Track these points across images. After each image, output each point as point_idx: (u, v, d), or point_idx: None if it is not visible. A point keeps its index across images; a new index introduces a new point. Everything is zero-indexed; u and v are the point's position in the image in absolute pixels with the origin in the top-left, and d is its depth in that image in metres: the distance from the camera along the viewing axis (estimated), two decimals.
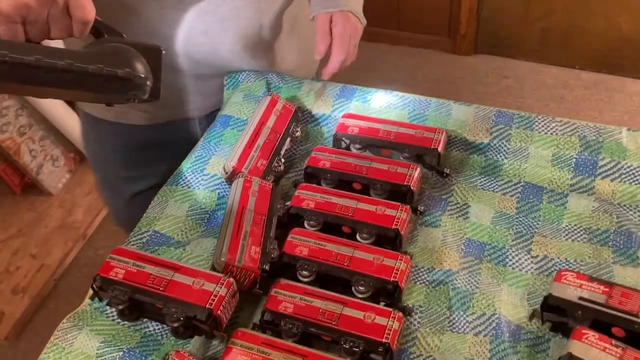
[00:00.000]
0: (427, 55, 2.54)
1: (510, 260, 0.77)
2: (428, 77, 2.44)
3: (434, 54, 2.53)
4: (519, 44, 2.41)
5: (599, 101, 2.24)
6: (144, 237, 0.80)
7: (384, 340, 0.66)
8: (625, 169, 0.83)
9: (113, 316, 0.73)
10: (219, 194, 0.86)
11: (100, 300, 0.73)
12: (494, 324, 0.69)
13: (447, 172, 0.87)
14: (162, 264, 0.71)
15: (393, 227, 0.77)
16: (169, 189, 0.87)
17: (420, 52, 2.55)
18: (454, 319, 0.71)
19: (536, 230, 0.80)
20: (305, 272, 0.73)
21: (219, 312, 0.67)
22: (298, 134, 0.94)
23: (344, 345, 0.66)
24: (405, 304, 0.73)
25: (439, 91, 2.37)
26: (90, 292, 0.72)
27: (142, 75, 0.62)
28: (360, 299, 0.71)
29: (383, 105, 0.95)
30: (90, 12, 0.62)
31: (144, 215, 0.83)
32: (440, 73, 2.45)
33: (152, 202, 0.85)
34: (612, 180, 0.83)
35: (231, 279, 0.69)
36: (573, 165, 0.85)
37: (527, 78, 2.37)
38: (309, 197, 0.81)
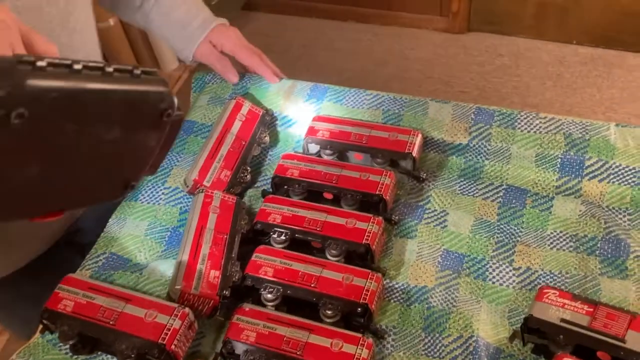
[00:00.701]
0: (419, 35, 2.45)
1: (491, 273, 0.72)
2: (421, 57, 2.36)
3: (427, 34, 2.45)
4: (513, 21, 2.32)
5: (597, 77, 2.16)
6: (100, 260, 0.75)
7: None
8: (613, 169, 0.77)
9: (66, 349, 0.68)
10: (181, 208, 0.81)
11: (52, 332, 0.68)
12: (472, 348, 0.65)
13: (424, 176, 0.82)
14: (114, 294, 0.66)
15: (363, 242, 0.72)
16: (128, 205, 0.82)
17: (412, 32, 2.47)
18: (429, 342, 0.66)
19: (519, 238, 0.75)
20: (269, 296, 0.68)
21: (172, 347, 0.62)
22: (266, 139, 0.88)
23: None
24: (377, 326, 0.68)
25: (432, 72, 2.29)
26: (40, 325, 0.68)
27: (175, 100, 0.54)
28: (329, 323, 0.67)
29: (356, 104, 0.89)
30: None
31: (101, 235, 0.78)
32: (433, 53, 2.37)
33: (109, 220, 0.80)
34: (599, 181, 0.78)
35: (186, 310, 0.64)
36: (558, 165, 0.79)
37: (523, 55, 2.29)
38: (275, 211, 0.76)
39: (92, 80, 0.42)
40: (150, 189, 0.83)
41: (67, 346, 0.68)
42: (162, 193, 0.82)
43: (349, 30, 2.54)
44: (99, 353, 0.68)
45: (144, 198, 0.82)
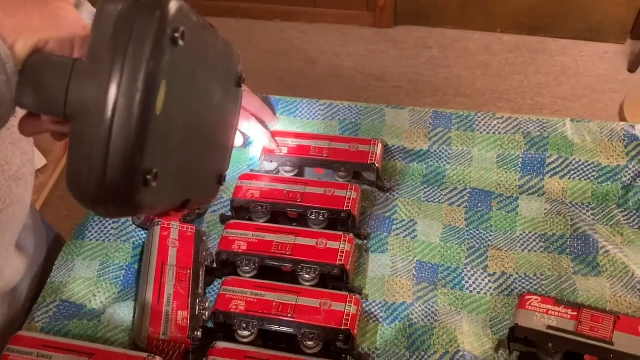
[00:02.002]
0: (348, 31, 2.44)
1: (467, 282, 0.71)
2: (352, 54, 2.35)
3: (355, 30, 2.44)
4: (439, 12, 2.36)
5: (523, 64, 2.23)
6: (50, 309, 0.68)
7: None
8: (574, 165, 0.78)
9: None
10: (133, 243, 0.75)
11: None
12: None
13: (388, 186, 0.80)
14: (74, 350, 0.60)
15: (338, 263, 0.68)
16: (74, 244, 0.74)
17: (340, 28, 2.45)
18: None
19: (489, 243, 0.74)
20: (244, 332, 0.64)
21: None
22: None
23: None
24: (360, 350, 0.65)
25: (364, 68, 2.29)
26: None
27: None
28: (310, 354, 0.63)
29: (310, 116, 0.86)
30: None
31: (48, 281, 0.71)
32: (363, 49, 2.37)
33: (55, 263, 0.73)
34: (561, 178, 0.78)
35: (158, 358, 0.59)
36: (520, 165, 0.79)
37: (451, 46, 2.33)
38: (239, 238, 0.71)
39: (206, 24, 0.42)
40: (97, 225, 0.76)
41: None
42: (112, 228, 0.76)
43: (276, 29, 2.49)
44: None
45: (92, 235, 0.75)
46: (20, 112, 0.42)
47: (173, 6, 0.36)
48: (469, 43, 2.33)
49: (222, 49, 0.46)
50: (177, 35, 0.36)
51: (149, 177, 0.36)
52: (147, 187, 0.37)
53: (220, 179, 0.50)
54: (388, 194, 0.80)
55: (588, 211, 0.76)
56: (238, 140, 0.80)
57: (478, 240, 0.74)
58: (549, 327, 0.60)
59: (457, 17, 2.35)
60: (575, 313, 0.60)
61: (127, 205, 0.37)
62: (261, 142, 0.80)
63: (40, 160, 1.87)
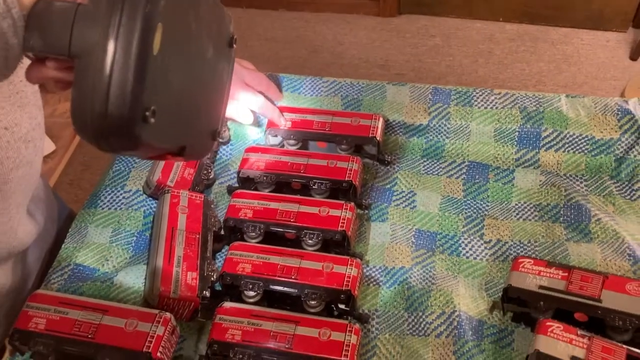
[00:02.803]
0: (351, 20, 2.47)
1: (464, 248, 0.74)
2: (355, 42, 2.37)
3: (359, 19, 2.47)
4: (442, 1, 2.38)
5: (525, 52, 2.25)
6: (65, 272, 0.72)
7: (342, 358, 0.61)
8: (568, 138, 0.81)
9: None
10: (144, 212, 0.78)
11: (23, 354, 0.64)
12: (455, 323, 0.66)
13: (389, 159, 0.82)
14: (89, 307, 0.63)
15: (339, 229, 0.71)
16: (87, 212, 0.78)
17: (344, 17, 2.48)
18: (413, 321, 0.67)
19: (486, 212, 0.77)
20: (250, 292, 0.67)
21: (158, 354, 0.60)
22: (226, 133, 0.86)
23: None
24: (360, 311, 0.69)
25: (367, 56, 2.31)
26: (9, 347, 0.64)
27: None
28: (313, 313, 0.66)
29: (314, 93, 0.89)
30: None
31: (62, 247, 0.74)
32: (366, 37, 2.39)
33: (69, 230, 0.76)
34: (555, 151, 0.81)
35: (168, 315, 0.62)
36: (516, 139, 0.82)
37: (454, 35, 2.35)
38: (245, 206, 0.75)
39: None
40: (109, 194, 0.79)
41: None
42: (123, 197, 0.79)
43: (281, 18, 2.52)
44: None
45: (104, 204, 0.78)
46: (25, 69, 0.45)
47: None
48: (472, 32, 2.35)
49: (214, 6, 0.49)
50: None
51: (147, 113, 0.39)
52: (146, 122, 0.40)
53: (215, 134, 0.53)
54: (388, 167, 0.82)
55: (582, 182, 0.79)
56: (248, 118, 0.83)
57: (475, 210, 0.77)
58: (541, 287, 0.63)
59: (460, 6, 2.37)
60: (566, 274, 0.63)
61: (127, 139, 0.40)
62: (270, 117, 0.83)
63: (49, 146, 1.90)
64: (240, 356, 0.62)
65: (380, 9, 2.44)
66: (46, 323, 0.62)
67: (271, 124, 0.83)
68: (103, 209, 0.78)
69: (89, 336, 0.61)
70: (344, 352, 0.61)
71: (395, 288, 0.70)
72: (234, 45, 0.53)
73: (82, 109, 0.38)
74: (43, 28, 0.40)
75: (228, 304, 0.66)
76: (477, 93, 0.85)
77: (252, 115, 0.84)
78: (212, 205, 0.76)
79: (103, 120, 0.38)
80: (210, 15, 0.48)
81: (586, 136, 0.80)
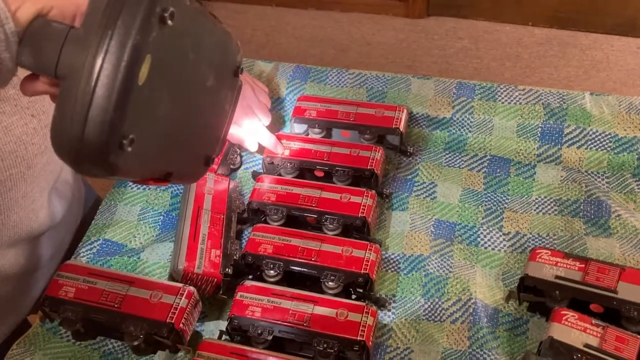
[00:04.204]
0: (380, 20, 2.48)
1: (482, 239, 0.74)
2: (382, 43, 2.38)
3: (387, 19, 2.48)
4: (471, 4, 2.37)
5: (553, 57, 2.23)
6: (94, 247, 0.75)
7: (358, 338, 0.62)
8: (590, 135, 0.81)
9: (68, 336, 0.67)
10: (172, 192, 0.80)
11: (52, 321, 0.67)
12: (471, 310, 0.67)
13: (411, 151, 0.84)
14: (116, 278, 0.66)
15: (360, 215, 0.73)
16: (117, 191, 0.81)
17: (372, 17, 2.49)
18: (429, 307, 0.69)
19: (506, 205, 0.78)
20: (271, 272, 0.69)
21: (181, 325, 0.62)
22: (237, 160, 0.87)
23: (318, 347, 0.62)
24: (378, 295, 0.70)
25: (394, 57, 2.32)
26: (40, 313, 0.67)
27: None
28: (331, 294, 0.68)
29: (339, 84, 0.90)
30: None
31: (92, 223, 0.77)
32: (394, 38, 2.40)
33: (99, 208, 0.79)
34: (578, 148, 0.81)
35: (192, 288, 0.64)
36: (539, 134, 0.83)
37: (482, 38, 2.34)
38: (269, 190, 0.77)
39: (205, 11, 0.45)
40: None
41: (69, 334, 0.67)
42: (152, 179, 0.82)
43: (310, 17, 2.54)
44: (102, 338, 0.67)
45: (133, 184, 0.81)
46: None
47: None
48: (501, 35, 2.34)
49: (220, 37, 0.48)
50: (165, 14, 0.39)
51: (124, 141, 0.39)
52: (122, 150, 0.39)
53: (208, 161, 0.52)
54: (410, 158, 0.84)
55: (603, 179, 0.79)
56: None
57: (495, 203, 0.78)
58: (557, 277, 0.64)
59: (489, 10, 2.36)
60: (583, 265, 0.64)
61: (101, 165, 0.39)
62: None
63: None
64: (259, 331, 0.64)
65: (409, 10, 2.45)
66: (75, 292, 0.65)
67: (297, 112, 0.85)
68: (132, 188, 0.81)
69: (115, 305, 0.63)
70: (360, 332, 0.63)
71: (413, 275, 0.72)
72: (240, 75, 0.52)
73: (60, 130, 0.39)
74: (35, 46, 0.40)
75: (249, 283, 0.68)
76: (501, 88, 0.86)
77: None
78: (237, 188, 0.79)
79: (79, 144, 0.38)
80: (213, 45, 0.47)
81: (609, 134, 0.81)
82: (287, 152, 0.80)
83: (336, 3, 2.52)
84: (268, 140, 0.80)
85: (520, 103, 0.84)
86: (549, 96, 0.84)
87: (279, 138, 0.82)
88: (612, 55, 2.22)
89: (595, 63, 2.19)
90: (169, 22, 0.39)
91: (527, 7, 2.31)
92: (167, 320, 0.62)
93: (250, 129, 0.79)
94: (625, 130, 0.80)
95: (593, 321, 0.59)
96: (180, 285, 0.65)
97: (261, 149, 0.82)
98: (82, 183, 0.87)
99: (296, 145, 0.81)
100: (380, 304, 0.69)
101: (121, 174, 0.42)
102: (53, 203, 0.74)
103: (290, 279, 0.70)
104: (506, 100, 0.85)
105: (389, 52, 2.34)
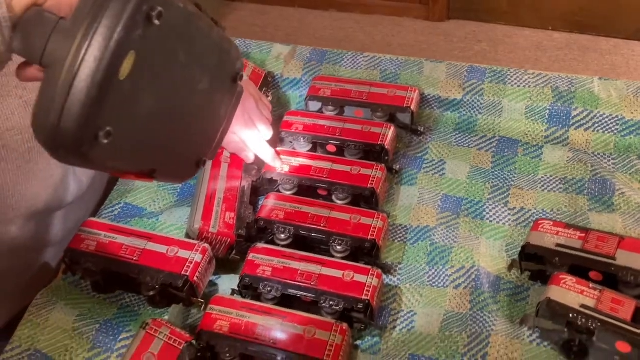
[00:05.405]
0: (400, 22, 2.51)
1: (488, 213, 0.77)
2: (403, 44, 2.42)
3: (408, 22, 2.51)
4: (491, 8, 2.40)
5: (572, 61, 2.24)
6: (115, 209, 0.78)
7: (363, 297, 0.65)
8: (598, 118, 0.83)
9: (88, 290, 0.71)
10: None
11: (74, 274, 0.71)
12: (474, 276, 0.69)
13: (422, 130, 0.86)
14: (135, 234, 0.69)
15: (369, 186, 0.76)
16: None
17: (393, 20, 2.52)
18: (433, 273, 0.71)
19: (512, 182, 0.80)
20: (282, 236, 0.72)
21: (195, 278, 0.65)
22: (269, 98, 0.92)
23: (324, 305, 0.65)
24: (384, 262, 0.73)
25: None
26: (63, 266, 0.71)
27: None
28: (339, 259, 0.71)
29: (354, 66, 0.94)
30: None
31: (114, 188, 0.81)
32: (414, 40, 2.43)
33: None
34: (585, 130, 0.83)
35: (206, 245, 0.68)
36: (547, 116, 0.85)
37: (501, 41, 2.36)
38: (284, 161, 0.80)
39: (202, 15, 0.46)
40: None
41: (89, 287, 0.71)
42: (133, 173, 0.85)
43: (331, 19, 2.59)
44: (120, 292, 0.71)
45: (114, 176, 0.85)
46: None
47: None
48: (520, 39, 2.36)
49: (217, 41, 0.49)
50: (153, 14, 0.40)
51: (100, 132, 0.40)
52: (97, 142, 0.40)
53: (200, 163, 0.53)
54: (421, 137, 0.86)
55: (609, 160, 0.81)
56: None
57: (502, 180, 0.80)
58: (558, 245, 0.66)
59: (509, 14, 2.38)
60: (583, 234, 0.66)
61: (75, 154, 0.40)
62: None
63: None
64: (269, 289, 0.67)
65: (429, 13, 2.48)
66: (96, 245, 0.68)
67: (312, 90, 0.88)
68: None
69: (134, 258, 0.67)
70: (365, 292, 0.65)
71: (418, 244, 0.74)
72: (239, 81, 0.53)
73: (39, 116, 0.40)
74: (26, 34, 0.42)
75: (261, 245, 0.71)
76: (511, 72, 0.89)
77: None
78: None
79: (55, 132, 0.39)
80: (209, 49, 0.48)
81: (616, 116, 0.82)
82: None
83: (357, 5, 2.56)
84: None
85: (529, 86, 0.87)
86: (557, 80, 0.86)
87: (292, 114, 0.85)
88: (632, 60, 2.22)
89: (615, 67, 2.19)
90: (156, 21, 0.40)
91: (546, 11, 2.33)
92: (183, 273, 0.65)
93: (249, 140, 0.76)
94: (632, 113, 0.82)
95: (590, 285, 0.61)
96: (195, 242, 0.68)
97: (276, 124, 0.86)
98: None
99: (310, 121, 0.84)
100: (387, 269, 0.72)
101: (97, 164, 0.43)
102: (74, 179, 0.77)
103: (299, 243, 0.73)
104: (516, 83, 0.87)
105: (409, 54, 2.35)
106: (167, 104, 0.46)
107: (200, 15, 0.46)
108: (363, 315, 0.65)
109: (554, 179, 0.79)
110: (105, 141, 0.40)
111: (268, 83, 0.92)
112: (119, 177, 0.74)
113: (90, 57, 0.38)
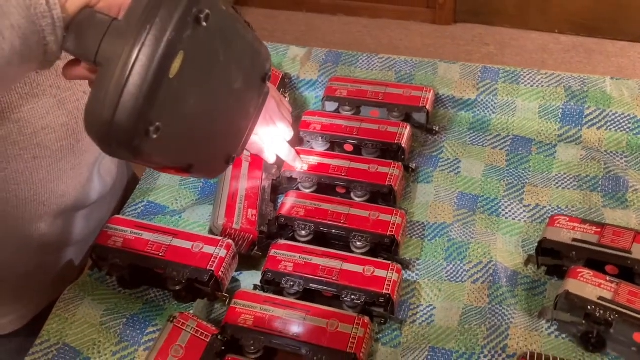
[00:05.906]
0: (407, 26, 2.53)
1: (503, 210, 0.78)
2: (410, 48, 2.44)
3: (415, 25, 2.53)
4: (497, 11, 2.42)
5: (579, 64, 2.26)
6: (139, 207, 0.80)
7: (384, 291, 0.67)
8: (610, 117, 0.85)
9: (114, 285, 0.73)
10: None
11: (100, 270, 0.73)
12: (491, 271, 0.71)
13: (437, 129, 0.88)
14: (160, 230, 0.71)
15: (387, 183, 0.77)
16: None
17: (400, 23, 2.54)
18: (451, 269, 0.72)
19: (527, 180, 0.81)
20: (302, 232, 0.74)
21: (220, 273, 0.67)
22: (286, 100, 0.93)
23: (346, 299, 0.67)
24: (403, 258, 0.74)
25: None
26: (90, 262, 0.72)
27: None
28: (358, 254, 0.72)
29: (369, 67, 0.96)
30: None
31: (137, 187, 0.83)
32: (421, 44, 2.45)
33: (143, 174, 0.85)
34: (598, 129, 0.85)
35: (230, 241, 0.69)
36: (560, 115, 0.86)
37: (508, 44, 2.38)
38: (303, 161, 0.81)
39: (239, 18, 0.48)
40: None
41: (115, 283, 0.73)
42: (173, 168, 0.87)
43: (339, 23, 2.61)
44: (145, 288, 0.72)
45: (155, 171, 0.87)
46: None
47: None
48: (526, 42, 2.38)
49: (251, 43, 0.51)
50: (201, 16, 0.42)
51: (151, 128, 0.41)
52: (148, 136, 0.42)
53: (229, 160, 0.55)
54: (436, 136, 0.88)
55: (622, 159, 0.82)
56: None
57: (516, 178, 0.82)
58: (574, 240, 0.67)
59: (515, 16, 2.40)
60: (599, 229, 0.67)
61: (126, 148, 0.42)
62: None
63: None
64: (291, 284, 0.68)
65: (436, 16, 2.50)
66: (123, 241, 0.70)
67: (329, 91, 0.90)
68: None
69: (160, 254, 0.69)
70: (385, 287, 0.67)
71: (436, 240, 0.76)
72: (267, 82, 0.55)
73: (93, 112, 0.42)
74: (79, 34, 0.44)
75: (282, 241, 0.73)
76: (524, 73, 0.90)
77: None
78: None
79: (109, 127, 0.41)
80: (244, 50, 0.51)
81: (629, 115, 0.84)
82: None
83: (365, 9, 2.58)
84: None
85: (542, 86, 0.88)
86: (570, 80, 0.88)
87: (310, 114, 0.87)
88: (638, 62, 2.23)
89: (621, 70, 2.21)
90: (204, 23, 0.42)
91: (552, 14, 2.34)
92: (208, 268, 0.67)
93: (270, 140, 0.78)
94: None
95: (607, 278, 0.62)
96: (220, 238, 0.70)
97: (293, 124, 0.88)
98: (124, 164, 0.92)
99: (328, 121, 0.86)
100: (405, 265, 0.73)
101: (145, 158, 0.45)
102: (98, 179, 0.79)
103: (320, 240, 0.75)
104: (529, 83, 0.89)
105: (416, 57, 2.39)
106: (209, 102, 0.48)
107: (238, 18, 0.48)
108: (384, 309, 0.67)
109: (567, 176, 0.81)
110: (155, 136, 0.42)
111: (285, 84, 0.94)
112: (159, 171, 0.75)
113: (143, 56, 0.40)
